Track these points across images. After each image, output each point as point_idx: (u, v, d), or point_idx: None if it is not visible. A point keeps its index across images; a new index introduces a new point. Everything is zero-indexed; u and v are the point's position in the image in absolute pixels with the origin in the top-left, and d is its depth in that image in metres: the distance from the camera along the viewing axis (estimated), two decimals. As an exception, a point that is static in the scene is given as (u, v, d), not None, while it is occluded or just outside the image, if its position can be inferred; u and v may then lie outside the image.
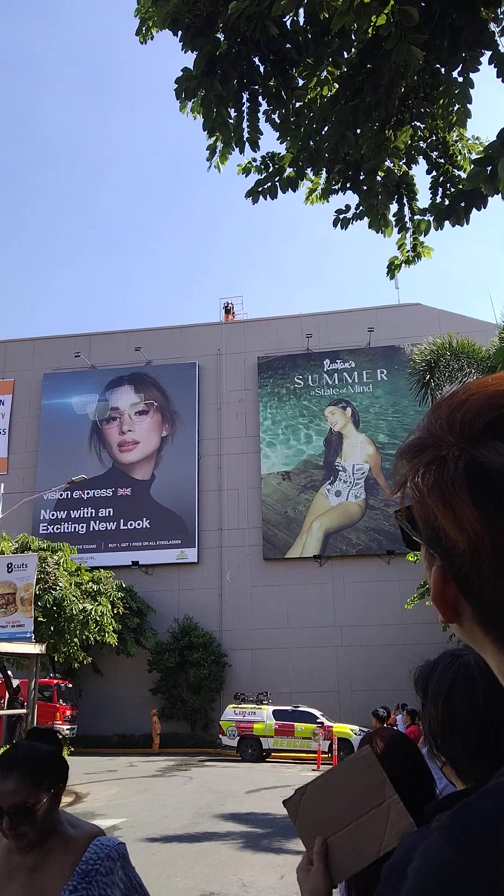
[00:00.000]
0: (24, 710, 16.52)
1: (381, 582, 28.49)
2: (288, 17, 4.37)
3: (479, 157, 3.70)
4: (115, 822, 10.97)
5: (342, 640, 28.52)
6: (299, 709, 22.78)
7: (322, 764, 19.37)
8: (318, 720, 21.89)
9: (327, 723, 21.81)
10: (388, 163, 4.97)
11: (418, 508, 0.59)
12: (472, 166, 3.65)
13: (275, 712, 22.55)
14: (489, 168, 3.50)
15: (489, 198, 4.21)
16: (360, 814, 1.21)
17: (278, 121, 4.73)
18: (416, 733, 9.06)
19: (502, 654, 0.57)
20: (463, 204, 4.41)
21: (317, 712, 22.55)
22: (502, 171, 3.35)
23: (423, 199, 5.23)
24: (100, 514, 31.72)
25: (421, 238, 5.40)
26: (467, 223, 4.54)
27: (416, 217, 5.13)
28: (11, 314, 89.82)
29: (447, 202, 4.89)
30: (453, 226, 4.57)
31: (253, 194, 4.98)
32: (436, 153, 5.12)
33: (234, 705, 23.32)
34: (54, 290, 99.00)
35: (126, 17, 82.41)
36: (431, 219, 4.78)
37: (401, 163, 5.13)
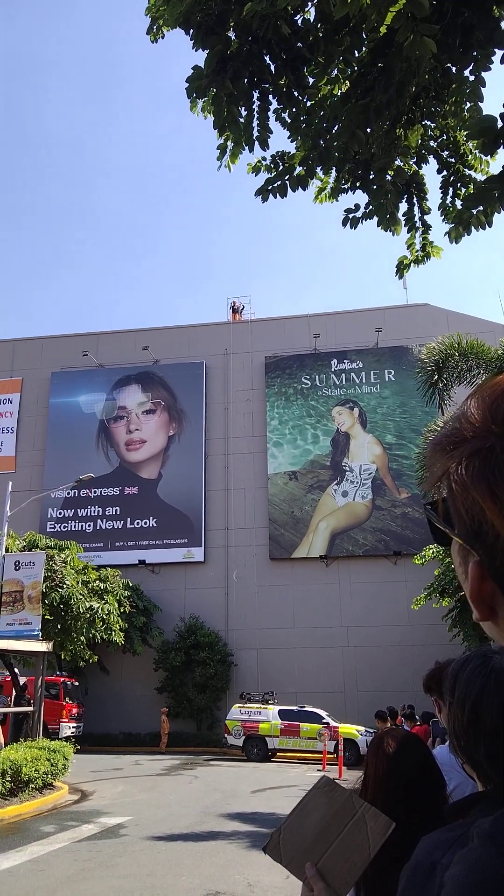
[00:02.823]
0: (30, 708, 16.59)
1: (388, 583, 28.44)
2: (299, 14, 4.37)
3: None
4: (121, 819, 10.99)
5: (348, 641, 28.49)
6: (305, 709, 22.76)
7: (327, 764, 19.34)
8: (324, 720, 21.86)
9: (333, 723, 21.78)
10: (398, 162, 4.95)
11: (460, 501, 0.57)
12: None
13: (280, 712, 22.54)
14: None
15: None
16: (339, 831, 1.29)
17: (289, 119, 4.72)
18: (423, 733, 9.04)
19: None
20: (482, 208, 4.35)
21: (322, 712, 22.52)
22: None
23: (434, 199, 5.21)
24: (107, 513, 31.79)
25: (430, 238, 5.38)
26: (490, 226, 4.51)
27: (447, 225, 5.05)
28: (19, 313, 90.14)
29: (459, 204, 4.86)
30: (476, 229, 4.54)
31: (262, 192, 4.97)
32: (446, 152, 5.10)
33: (239, 705, 23.32)
34: (62, 289, 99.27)
35: (129, 16, 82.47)
36: (457, 226, 4.71)
37: (411, 162, 5.11)
